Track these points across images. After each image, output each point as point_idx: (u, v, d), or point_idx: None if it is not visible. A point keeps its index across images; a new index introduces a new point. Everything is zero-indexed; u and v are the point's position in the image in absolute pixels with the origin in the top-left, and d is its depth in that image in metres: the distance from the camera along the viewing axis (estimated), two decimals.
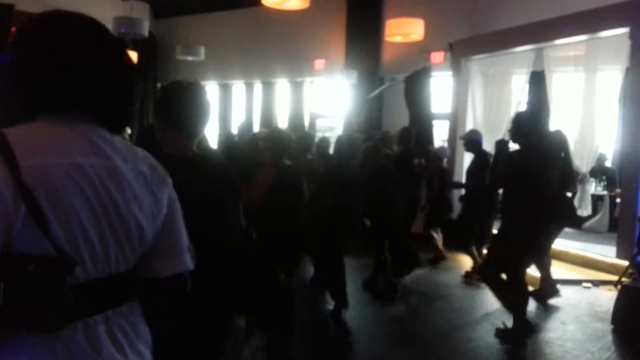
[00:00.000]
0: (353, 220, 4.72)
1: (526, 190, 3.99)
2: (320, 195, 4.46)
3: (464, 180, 6.79)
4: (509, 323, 4.20)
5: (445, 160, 7.09)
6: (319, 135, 8.32)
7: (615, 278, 5.64)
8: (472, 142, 6.00)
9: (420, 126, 8.44)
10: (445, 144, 8.63)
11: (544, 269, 5.30)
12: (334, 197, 4.48)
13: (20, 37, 1.07)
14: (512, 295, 4.19)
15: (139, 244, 1.11)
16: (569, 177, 5.17)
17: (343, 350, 4.15)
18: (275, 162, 3.73)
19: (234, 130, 11.49)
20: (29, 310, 0.92)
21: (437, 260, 6.76)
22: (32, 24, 1.08)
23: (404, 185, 5.49)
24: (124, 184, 1.07)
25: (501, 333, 4.25)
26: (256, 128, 11.40)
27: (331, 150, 5.82)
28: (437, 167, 6.78)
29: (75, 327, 1.00)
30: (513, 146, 4.79)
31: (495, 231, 5.00)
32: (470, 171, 6.04)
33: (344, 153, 4.84)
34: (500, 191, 4.83)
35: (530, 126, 4.11)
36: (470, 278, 5.94)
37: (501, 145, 6.15)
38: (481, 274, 4.52)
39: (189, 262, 1.24)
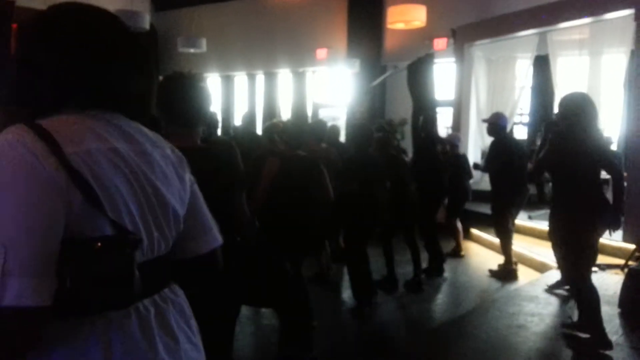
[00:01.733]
0: (379, 210, 4.61)
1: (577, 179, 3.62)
2: (340, 184, 4.41)
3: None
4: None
5: (458, 146, 6.78)
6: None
7: (621, 262, 5.62)
8: (496, 126, 5.66)
9: (423, 114, 8.39)
10: (449, 130, 8.58)
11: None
12: (359, 186, 4.42)
13: (44, 31, 1.06)
14: (583, 303, 3.75)
15: (174, 225, 1.14)
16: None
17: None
18: (283, 153, 3.73)
19: (238, 121, 11.51)
20: (100, 292, 0.93)
21: (458, 251, 6.58)
22: (57, 17, 1.08)
23: (418, 174, 5.44)
24: (155, 168, 1.10)
25: (575, 343, 3.83)
26: (259, 119, 11.41)
27: (341, 138, 5.74)
28: (452, 154, 6.50)
29: (128, 313, 1.01)
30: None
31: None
32: (492, 157, 5.69)
33: (360, 142, 4.72)
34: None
35: (574, 110, 3.67)
36: (498, 274, 5.68)
37: (550, 126, 5.55)
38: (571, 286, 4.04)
39: (219, 237, 1.28)
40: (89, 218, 0.94)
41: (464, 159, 6.67)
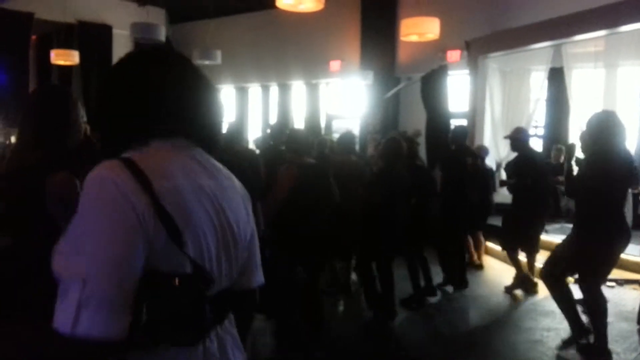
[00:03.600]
0: (398, 224, 4.59)
1: (605, 198, 3.64)
2: (368, 197, 4.43)
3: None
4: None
5: (485, 159, 6.59)
6: (335, 136, 8.29)
7: None
8: (518, 141, 5.50)
9: (437, 126, 8.39)
10: (482, 144, 8.49)
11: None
12: (383, 200, 4.42)
13: (131, 70, 1.12)
14: (592, 313, 3.84)
15: (241, 259, 1.17)
16: None
17: None
18: (298, 161, 3.76)
19: (267, 131, 11.50)
20: (172, 326, 0.95)
21: (473, 265, 6.48)
22: (142, 58, 1.15)
23: (445, 187, 5.47)
24: (232, 204, 1.14)
25: (585, 348, 3.92)
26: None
27: (356, 147, 5.70)
28: (478, 167, 6.22)
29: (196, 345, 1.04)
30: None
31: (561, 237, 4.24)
32: (514, 171, 5.59)
33: (389, 156, 4.68)
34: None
35: (601, 129, 3.67)
36: (512, 288, 5.57)
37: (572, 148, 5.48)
38: (543, 271, 4.15)
39: (262, 277, 1.30)
40: (170, 255, 0.97)
41: (490, 172, 6.54)
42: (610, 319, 4.64)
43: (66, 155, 2.02)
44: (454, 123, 8.82)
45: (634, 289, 5.51)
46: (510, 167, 5.79)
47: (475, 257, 6.57)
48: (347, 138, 5.38)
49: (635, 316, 4.51)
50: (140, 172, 0.96)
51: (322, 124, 11.25)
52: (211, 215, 1.05)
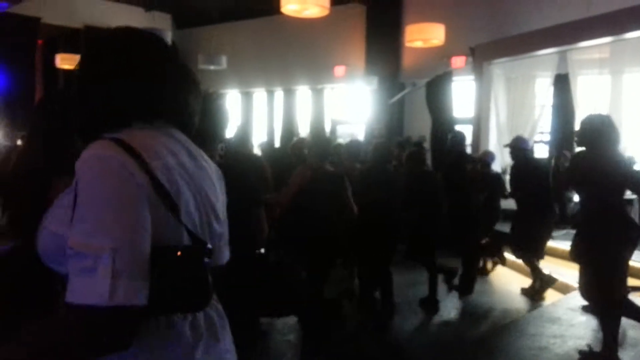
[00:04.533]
0: (395, 220, 4.62)
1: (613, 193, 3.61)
2: (359, 198, 4.43)
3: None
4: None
5: (493, 165, 6.51)
6: (340, 141, 8.29)
7: None
8: (517, 149, 5.56)
9: (442, 131, 8.38)
10: (469, 149, 8.51)
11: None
12: (374, 196, 4.43)
13: (113, 52, 1.14)
14: (607, 316, 3.78)
15: (219, 238, 1.22)
16: None
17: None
18: (313, 165, 3.82)
19: (275, 136, 11.54)
20: (180, 294, 1.00)
21: (481, 271, 6.36)
22: (123, 40, 1.16)
23: (450, 191, 5.42)
24: (209, 183, 1.18)
25: (585, 355, 3.90)
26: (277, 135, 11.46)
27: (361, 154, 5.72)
28: (484, 173, 6.22)
29: (184, 317, 1.08)
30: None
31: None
32: (516, 180, 5.61)
33: (379, 156, 4.78)
34: None
35: (598, 131, 3.65)
36: (530, 294, 5.53)
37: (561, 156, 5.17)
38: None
39: (229, 253, 1.33)
40: (170, 228, 1.01)
41: (497, 177, 6.53)
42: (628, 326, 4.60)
43: (71, 159, 2.04)
44: (458, 129, 8.85)
45: None
46: (511, 175, 5.81)
47: (490, 264, 6.54)
48: (353, 146, 5.41)
49: None
50: (133, 149, 0.99)
51: (327, 129, 11.26)
52: (194, 193, 1.09)
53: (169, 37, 9.45)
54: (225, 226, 1.28)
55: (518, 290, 5.65)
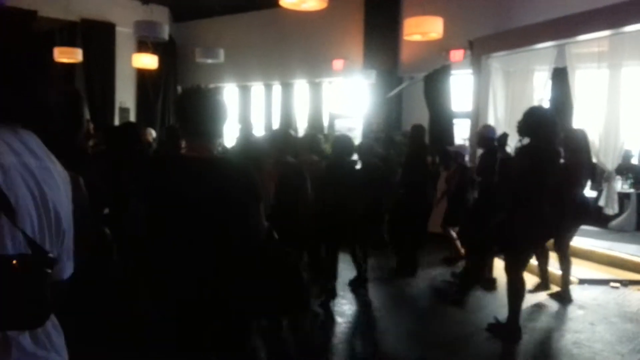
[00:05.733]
0: (348, 213, 4.89)
1: (531, 186, 3.91)
2: (320, 191, 4.67)
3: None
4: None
5: (466, 157, 6.85)
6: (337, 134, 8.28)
7: None
8: (483, 137, 5.85)
9: (440, 125, 8.36)
10: (467, 142, 8.52)
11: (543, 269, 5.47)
12: (333, 191, 4.74)
13: None
14: (509, 292, 4.18)
15: (62, 244, 1.11)
16: (589, 175, 5.12)
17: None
18: (280, 159, 4.10)
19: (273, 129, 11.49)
20: (15, 309, 0.90)
21: (452, 259, 6.64)
22: None
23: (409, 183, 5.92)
24: (53, 185, 1.08)
25: (493, 327, 4.30)
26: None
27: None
28: (458, 164, 6.60)
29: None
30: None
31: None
32: (481, 170, 5.78)
33: (338, 151, 5.10)
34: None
35: (539, 122, 4.01)
36: (486, 283, 5.65)
37: (503, 139, 5.90)
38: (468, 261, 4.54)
39: (72, 267, 1.19)
40: (5, 233, 0.92)
41: (469, 171, 6.64)
42: (614, 319, 4.64)
43: (71, 153, 2.03)
44: (455, 122, 8.84)
45: (638, 289, 5.49)
46: (477, 165, 6.02)
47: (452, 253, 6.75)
48: (342, 142, 5.42)
49: (639, 317, 4.49)
50: None
51: (325, 123, 11.24)
52: (35, 194, 1.01)
53: (166, 30, 9.39)
54: (70, 236, 1.15)
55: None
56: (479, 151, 6.33)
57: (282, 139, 4.41)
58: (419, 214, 6.11)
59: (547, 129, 3.95)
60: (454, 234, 6.65)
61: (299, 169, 4.30)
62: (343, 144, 5.11)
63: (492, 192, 5.35)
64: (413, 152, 6.26)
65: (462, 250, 6.62)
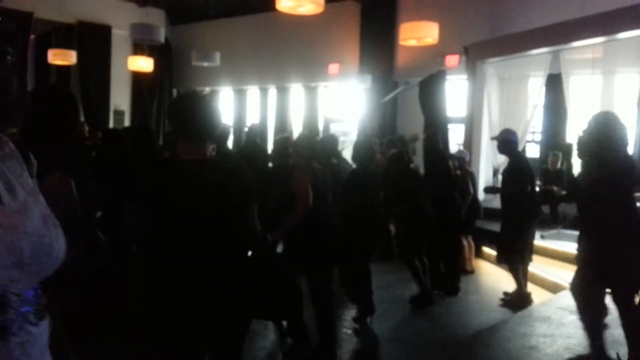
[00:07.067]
0: (377, 221, 4.68)
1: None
2: (344, 199, 4.49)
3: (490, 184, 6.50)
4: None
5: (466, 162, 6.72)
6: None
7: None
8: (506, 142, 5.33)
9: (435, 130, 8.38)
10: (461, 148, 8.54)
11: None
12: (358, 199, 4.48)
13: None
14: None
15: None
16: None
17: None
18: (309, 165, 3.90)
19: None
20: None
21: (464, 270, 6.41)
22: None
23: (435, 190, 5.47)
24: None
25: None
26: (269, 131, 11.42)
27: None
28: (463, 170, 6.41)
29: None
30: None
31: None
32: (506, 178, 5.43)
33: (362, 157, 4.79)
34: None
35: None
36: (509, 299, 5.45)
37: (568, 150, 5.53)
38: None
39: None
40: None
41: (472, 175, 6.59)
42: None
43: (63, 155, 2.03)
44: (450, 127, 8.86)
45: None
46: (506, 174, 5.57)
47: (467, 263, 6.54)
48: (328, 143, 5.20)
49: None
50: None
51: (320, 127, 11.26)
52: None
53: (162, 33, 9.40)
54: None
55: (507, 289, 5.64)
56: (500, 157, 5.97)
57: (307, 145, 4.12)
58: (453, 227, 5.75)
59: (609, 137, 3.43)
60: (465, 244, 6.49)
61: (325, 177, 4.04)
62: (366, 150, 4.82)
63: (522, 202, 5.14)
64: (434, 162, 5.84)
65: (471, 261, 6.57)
